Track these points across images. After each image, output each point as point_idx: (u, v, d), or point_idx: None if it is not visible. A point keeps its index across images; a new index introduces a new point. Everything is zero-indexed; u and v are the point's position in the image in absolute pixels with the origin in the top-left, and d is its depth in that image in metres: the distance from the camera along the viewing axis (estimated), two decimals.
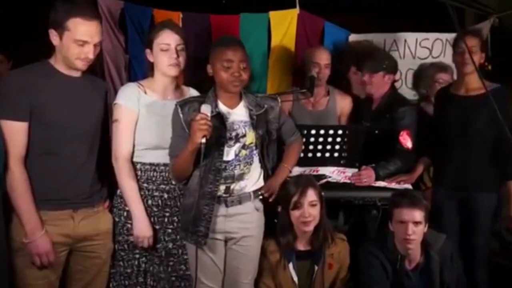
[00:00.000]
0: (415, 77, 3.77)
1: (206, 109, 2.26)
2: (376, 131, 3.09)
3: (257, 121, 2.42)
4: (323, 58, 3.32)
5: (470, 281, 2.80)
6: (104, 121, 2.46)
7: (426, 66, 3.69)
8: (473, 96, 2.94)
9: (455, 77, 3.47)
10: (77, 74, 2.34)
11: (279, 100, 2.58)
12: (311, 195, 2.57)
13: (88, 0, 2.29)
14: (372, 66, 3.17)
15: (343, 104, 3.43)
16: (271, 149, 2.54)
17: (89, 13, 2.23)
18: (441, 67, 3.60)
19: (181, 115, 2.35)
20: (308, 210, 2.56)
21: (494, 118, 2.81)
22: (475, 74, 2.88)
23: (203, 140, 2.18)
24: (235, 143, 2.40)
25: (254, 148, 2.45)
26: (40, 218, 2.24)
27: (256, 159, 2.47)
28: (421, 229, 2.55)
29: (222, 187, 2.40)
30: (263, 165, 2.51)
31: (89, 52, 2.25)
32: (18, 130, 2.21)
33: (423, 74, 3.63)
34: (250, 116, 2.42)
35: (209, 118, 2.22)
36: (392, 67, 3.22)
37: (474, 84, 2.93)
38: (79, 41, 2.22)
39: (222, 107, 2.41)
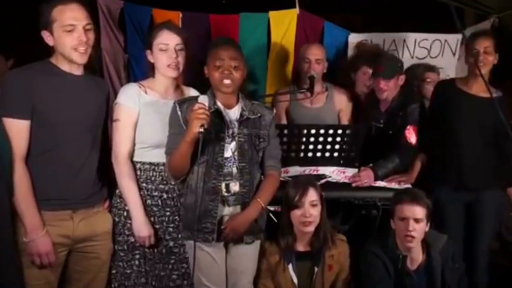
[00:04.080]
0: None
1: (204, 99, 2.27)
2: (390, 132, 3.10)
3: (245, 120, 2.42)
4: (313, 53, 3.32)
5: (470, 281, 2.79)
6: (105, 121, 2.46)
7: (414, 66, 3.72)
8: (485, 98, 2.89)
9: (441, 77, 3.53)
10: (78, 72, 2.33)
11: (274, 112, 2.57)
12: (312, 194, 2.57)
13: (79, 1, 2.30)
14: (388, 72, 3.08)
15: (341, 100, 3.44)
16: (259, 156, 2.48)
17: None
18: (429, 67, 3.68)
19: (179, 113, 2.35)
20: (309, 210, 2.55)
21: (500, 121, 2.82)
22: (486, 76, 2.88)
23: (201, 130, 2.18)
24: (231, 141, 2.41)
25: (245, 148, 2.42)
26: (41, 217, 2.23)
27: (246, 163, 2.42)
28: (422, 226, 2.55)
29: (223, 184, 2.39)
30: (251, 168, 2.43)
31: (81, 36, 2.24)
32: (20, 129, 2.20)
33: (412, 74, 3.64)
34: (241, 115, 2.42)
35: (206, 108, 2.22)
36: (402, 67, 3.20)
37: (483, 87, 2.88)
38: (67, 26, 2.22)
39: (219, 106, 2.42)
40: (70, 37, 2.23)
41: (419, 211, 2.53)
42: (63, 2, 2.23)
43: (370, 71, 3.44)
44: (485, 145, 2.95)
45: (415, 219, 2.52)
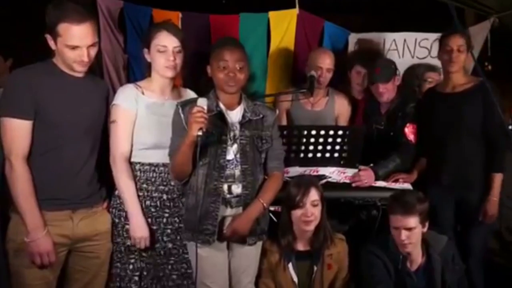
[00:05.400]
0: (404, 77, 3.78)
1: (202, 102, 2.26)
2: (391, 133, 3.11)
3: (247, 122, 2.42)
4: (326, 62, 3.31)
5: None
6: (105, 122, 2.46)
7: (415, 66, 3.73)
8: (459, 92, 2.97)
9: (442, 76, 3.52)
10: (79, 74, 2.33)
11: (277, 112, 2.59)
12: (313, 194, 2.57)
13: (79, 1, 2.26)
14: (386, 75, 3.10)
15: (341, 105, 3.45)
16: (261, 157, 2.48)
17: (78, 16, 2.18)
18: (430, 67, 3.67)
19: (182, 115, 2.35)
20: (310, 210, 2.56)
21: (483, 111, 2.87)
22: (461, 72, 2.98)
23: (200, 133, 2.19)
24: (233, 143, 2.41)
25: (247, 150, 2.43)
26: (42, 217, 2.23)
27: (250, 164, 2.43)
28: (417, 232, 2.55)
29: (225, 186, 2.40)
30: (253, 170, 2.44)
31: (83, 55, 2.23)
32: (23, 128, 2.20)
33: (413, 74, 3.65)
34: (243, 116, 2.42)
35: (205, 111, 2.22)
36: (396, 67, 3.20)
37: (460, 81, 2.99)
38: (70, 46, 2.20)
39: (222, 107, 2.42)
40: (73, 54, 2.22)
41: (410, 221, 2.52)
42: (71, 20, 2.16)
43: (363, 70, 3.47)
44: (469, 143, 2.94)
45: (407, 229, 2.52)
